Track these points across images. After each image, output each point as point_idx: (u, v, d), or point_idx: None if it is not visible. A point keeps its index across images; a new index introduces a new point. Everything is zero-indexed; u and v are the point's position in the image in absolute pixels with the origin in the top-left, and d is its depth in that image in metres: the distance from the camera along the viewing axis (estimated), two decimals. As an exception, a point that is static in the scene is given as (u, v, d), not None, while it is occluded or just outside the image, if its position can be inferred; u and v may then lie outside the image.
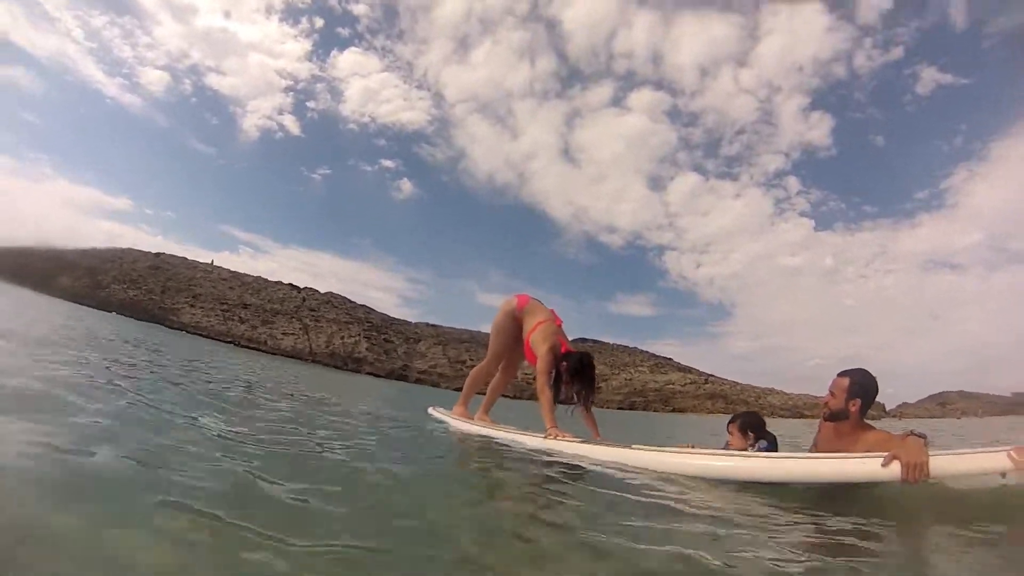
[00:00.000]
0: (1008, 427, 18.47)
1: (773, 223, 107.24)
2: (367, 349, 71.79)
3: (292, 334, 71.13)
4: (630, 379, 71.56)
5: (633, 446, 3.92)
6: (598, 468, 3.44)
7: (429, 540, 1.56)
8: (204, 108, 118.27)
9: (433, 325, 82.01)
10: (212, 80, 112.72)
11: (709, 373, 76.89)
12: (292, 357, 62.46)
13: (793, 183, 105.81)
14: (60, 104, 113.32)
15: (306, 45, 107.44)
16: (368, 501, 1.89)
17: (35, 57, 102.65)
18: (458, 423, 5.34)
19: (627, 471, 3.36)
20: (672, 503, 2.47)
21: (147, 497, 1.49)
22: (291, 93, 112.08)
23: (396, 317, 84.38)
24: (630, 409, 61.24)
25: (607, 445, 4.07)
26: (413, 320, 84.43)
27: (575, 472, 3.26)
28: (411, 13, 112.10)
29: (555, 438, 4.21)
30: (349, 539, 1.44)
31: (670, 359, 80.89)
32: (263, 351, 61.63)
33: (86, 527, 1.29)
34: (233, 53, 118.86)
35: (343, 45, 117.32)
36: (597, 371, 4.72)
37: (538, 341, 4.76)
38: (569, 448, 4.04)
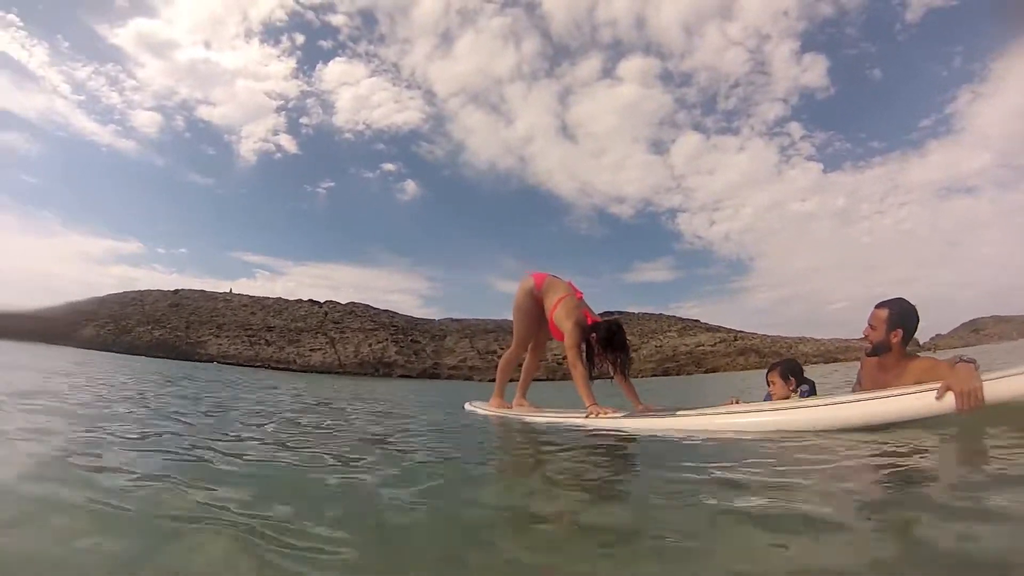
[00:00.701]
0: None
1: (780, 171, 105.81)
2: (396, 352, 72.05)
3: (319, 349, 71.57)
4: (660, 345, 71.24)
5: (678, 413, 3.84)
6: (647, 440, 3.33)
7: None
8: (199, 141, 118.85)
9: (457, 319, 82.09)
10: (203, 112, 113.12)
11: (738, 330, 76.34)
12: (322, 372, 62.94)
13: (796, 128, 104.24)
14: (58, 160, 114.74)
15: (290, 63, 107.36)
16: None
17: (26, 119, 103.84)
18: (497, 414, 5.21)
19: (677, 440, 3.22)
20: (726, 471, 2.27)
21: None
22: (283, 112, 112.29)
23: (420, 317, 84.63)
24: (664, 375, 61.07)
25: (651, 415, 3.97)
26: (437, 318, 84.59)
27: (624, 449, 3.15)
28: (389, 16, 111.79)
29: (597, 415, 4.10)
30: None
31: (697, 321, 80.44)
32: (293, 370, 62.11)
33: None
34: (219, 83, 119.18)
35: (327, 57, 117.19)
36: (627, 339, 4.58)
37: (562, 317, 4.66)
38: (614, 423, 3.94)
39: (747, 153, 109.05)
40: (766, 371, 4.25)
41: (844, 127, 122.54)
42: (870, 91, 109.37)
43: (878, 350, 3.32)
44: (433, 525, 1.57)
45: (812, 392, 3.95)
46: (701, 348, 70.43)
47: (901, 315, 3.25)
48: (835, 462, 2.29)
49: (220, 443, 2.80)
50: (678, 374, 62.48)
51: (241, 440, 3.04)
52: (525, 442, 3.65)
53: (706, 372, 64.15)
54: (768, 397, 4.12)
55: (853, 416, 3.04)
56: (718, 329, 76.65)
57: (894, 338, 3.24)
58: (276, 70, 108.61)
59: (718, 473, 2.15)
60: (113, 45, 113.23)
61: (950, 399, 2.77)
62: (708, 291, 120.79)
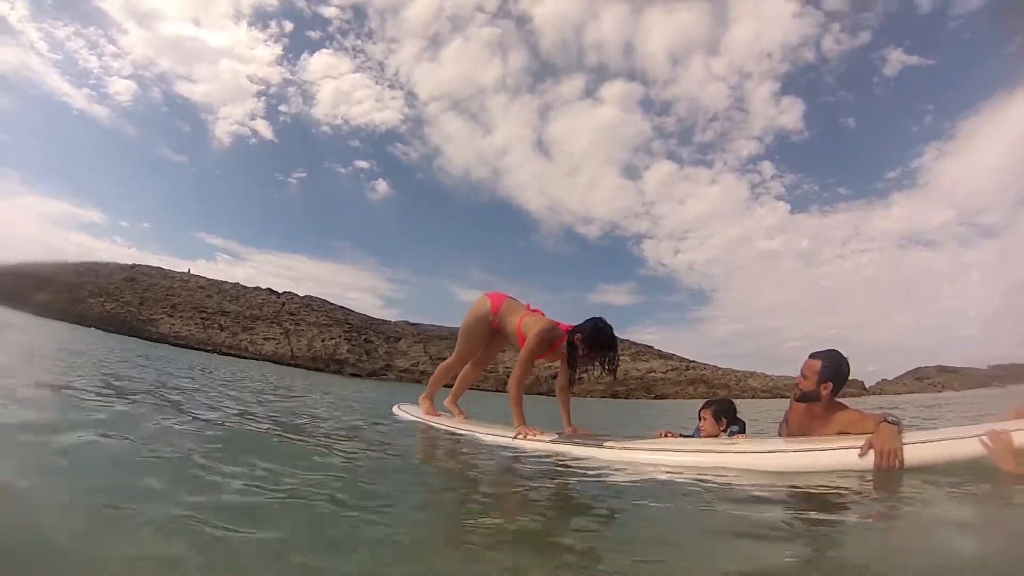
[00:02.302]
0: (988, 399, 18.57)
1: (749, 207, 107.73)
2: (348, 351, 71.54)
3: (273, 339, 70.76)
4: (612, 368, 71.93)
5: (605, 444, 3.85)
6: (566, 467, 3.35)
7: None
8: (175, 116, 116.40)
9: (414, 323, 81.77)
10: (182, 88, 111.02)
11: (691, 359, 77.43)
12: (273, 362, 62.24)
13: (767, 167, 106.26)
14: (27, 118, 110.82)
15: (276, 49, 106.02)
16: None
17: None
18: (424, 420, 5.26)
19: (597, 469, 3.28)
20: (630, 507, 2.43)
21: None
22: (263, 98, 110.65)
23: (377, 317, 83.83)
24: (613, 398, 61.38)
25: (578, 442, 4.00)
26: (394, 319, 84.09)
27: (541, 471, 3.23)
28: (381, 13, 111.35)
29: (524, 436, 4.15)
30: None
31: (651, 347, 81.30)
32: (244, 357, 61.25)
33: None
34: (202, 60, 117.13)
35: (313, 48, 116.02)
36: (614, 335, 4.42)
37: (530, 325, 4.55)
38: (538, 446, 4.00)
39: (718, 186, 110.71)
40: (700, 406, 4.36)
41: (814, 171, 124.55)
42: (842, 138, 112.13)
43: (808, 398, 3.41)
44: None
45: (741, 432, 4.08)
46: (652, 374, 71.27)
47: (833, 368, 3.34)
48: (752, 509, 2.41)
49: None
50: (627, 398, 63.00)
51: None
52: (446, 456, 3.77)
53: (655, 398, 64.82)
54: (697, 432, 4.25)
55: (780, 464, 3.12)
56: (671, 357, 77.64)
57: (824, 390, 3.33)
58: (261, 54, 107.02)
59: (627, 515, 2.29)
60: (98, 8, 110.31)
61: (871, 457, 2.89)
62: (667, 318, 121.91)
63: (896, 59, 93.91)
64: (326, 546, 1.51)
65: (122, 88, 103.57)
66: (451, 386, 5.63)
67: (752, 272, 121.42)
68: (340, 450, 3.21)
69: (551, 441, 4.08)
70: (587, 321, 4.37)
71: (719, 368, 74.34)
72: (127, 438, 2.54)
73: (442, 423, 5.11)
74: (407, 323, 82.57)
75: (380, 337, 76.78)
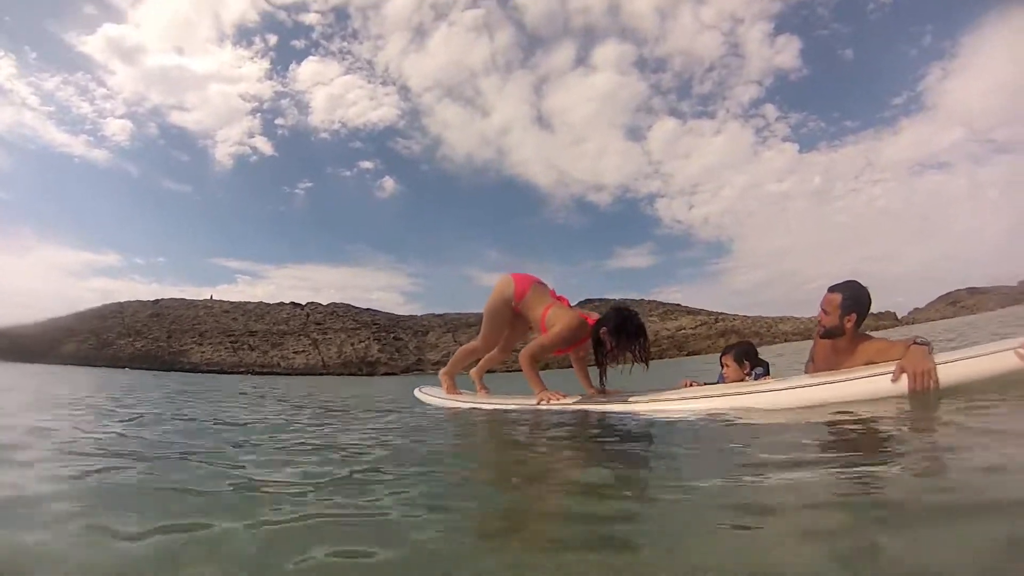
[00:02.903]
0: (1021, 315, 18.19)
1: (756, 152, 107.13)
2: (379, 351, 72.02)
3: (303, 351, 71.41)
4: (642, 331, 71.76)
5: (630, 398, 3.81)
6: (595, 427, 3.24)
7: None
8: (172, 147, 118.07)
9: (440, 315, 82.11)
10: (176, 118, 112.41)
11: (719, 312, 77.10)
12: (306, 374, 62.75)
13: (771, 110, 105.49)
14: (30, 173, 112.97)
15: (264, 64, 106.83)
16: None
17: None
18: (448, 400, 5.15)
19: (626, 424, 3.20)
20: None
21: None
22: (257, 114, 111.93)
23: (403, 314, 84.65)
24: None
25: (602, 400, 3.96)
26: (419, 313, 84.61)
27: (572, 434, 3.11)
28: (362, 12, 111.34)
29: (548, 401, 4.08)
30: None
31: (678, 304, 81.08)
32: (277, 373, 61.97)
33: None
34: (192, 87, 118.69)
35: (300, 57, 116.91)
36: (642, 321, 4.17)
37: (554, 319, 4.31)
38: (565, 408, 3.93)
39: (723, 136, 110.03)
40: (720, 354, 4.29)
41: (818, 107, 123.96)
42: (842, 71, 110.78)
43: (832, 333, 3.35)
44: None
45: (766, 374, 3.99)
46: (683, 331, 71.02)
47: (854, 299, 3.27)
48: (791, 445, 2.23)
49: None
50: (660, 358, 62.83)
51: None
52: (468, 431, 3.65)
53: (687, 355, 64.56)
54: (721, 379, 4.17)
55: (809, 398, 3.08)
56: (699, 312, 77.26)
57: (848, 322, 3.26)
58: (249, 72, 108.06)
59: (667, 460, 2.17)
60: (82, 53, 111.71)
61: (904, 380, 2.85)
62: (689, 275, 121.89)
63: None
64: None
65: (117, 128, 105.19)
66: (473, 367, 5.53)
67: (767, 216, 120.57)
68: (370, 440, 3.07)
69: (575, 403, 4.00)
70: (610, 312, 4.12)
71: (748, 317, 73.99)
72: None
73: (464, 400, 5.02)
74: (433, 315, 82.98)
75: (408, 333, 77.15)
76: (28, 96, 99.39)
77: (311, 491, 1.77)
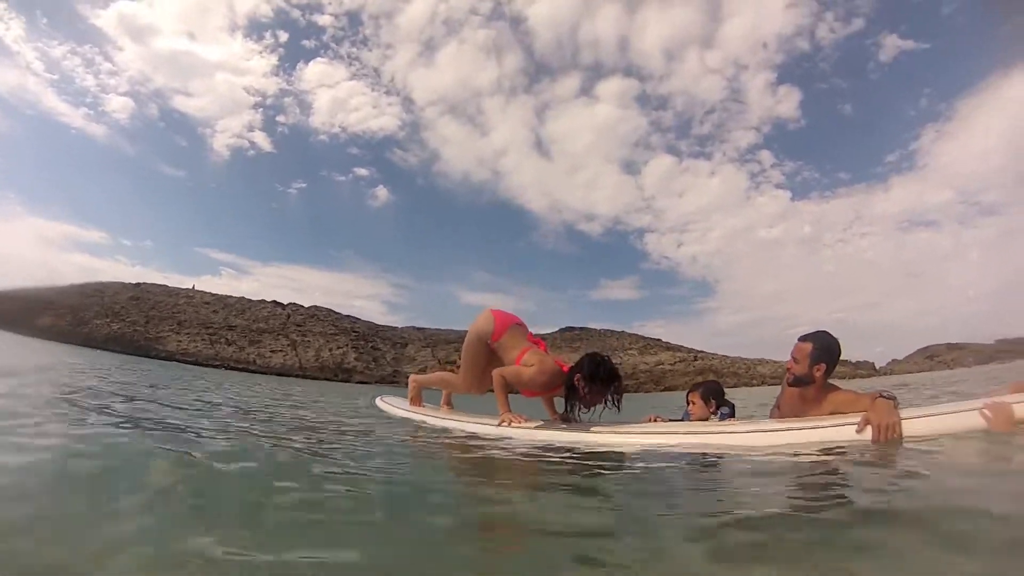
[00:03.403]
0: (1007, 373, 18.12)
1: (749, 197, 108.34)
2: (355, 359, 71.68)
3: (280, 351, 70.90)
4: (620, 363, 71.01)
5: (592, 429, 3.79)
6: (552, 453, 3.23)
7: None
8: (172, 131, 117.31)
9: (420, 328, 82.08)
10: (179, 102, 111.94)
11: (699, 350, 77.56)
12: (282, 374, 62.31)
13: (766, 156, 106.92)
14: (25, 140, 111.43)
15: (272, 60, 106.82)
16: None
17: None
18: (409, 412, 5.19)
19: (582, 452, 3.21)
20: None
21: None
22: (260, 109, 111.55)
23: (383, 324, 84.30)
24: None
25: (564, 429, 3.95)
26: (400, 325, 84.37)
27: (525, 458, 3.15)
28: (375, 19, 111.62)
29: (509, 423, 4.09)
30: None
31: (659, 340, 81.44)
32: (252, 371, 61.40)
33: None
34: (198, 74, 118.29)
35: (308, 57, 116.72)
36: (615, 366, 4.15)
37: (531, 361, 4.25)
38: (525, 434, 3.93)
39: (718, 178, 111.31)
40: (687, 391, 4.28)
41: (813, 158, 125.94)
42: (840, 125, 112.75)
43: (801, 382, 3.33)
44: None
45: (731, 415, 4.02)
46: (661, 367, 71.27)
47: (824, 349, 3.26)
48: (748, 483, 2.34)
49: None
50: (636, 391, 62.97)
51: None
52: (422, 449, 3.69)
53: (664, 390, 64.75)
54: (687, 416, 4.16)
55: (773, 442, 3.06)
56: (679, 348, 77.66)
57: (817, 372, 3.25)
58: (257, 66, 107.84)
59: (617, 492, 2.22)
60: (93, 26, 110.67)
61: (868, 431, 2.86)
62: (672, 311, 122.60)
63: (891, 44, 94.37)
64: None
65: (119, 105, 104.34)
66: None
67: (755, 261, 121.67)
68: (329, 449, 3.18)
69: (536, 427, 4.01)
70: (583, 359, 4.08)
71: (727, 357, 74.34)
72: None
73: (427, 414, 5.02)
74: (414, 328, 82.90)
75: (387, 344, 76.90)
76: (33, 61, 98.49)
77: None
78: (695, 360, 73.06)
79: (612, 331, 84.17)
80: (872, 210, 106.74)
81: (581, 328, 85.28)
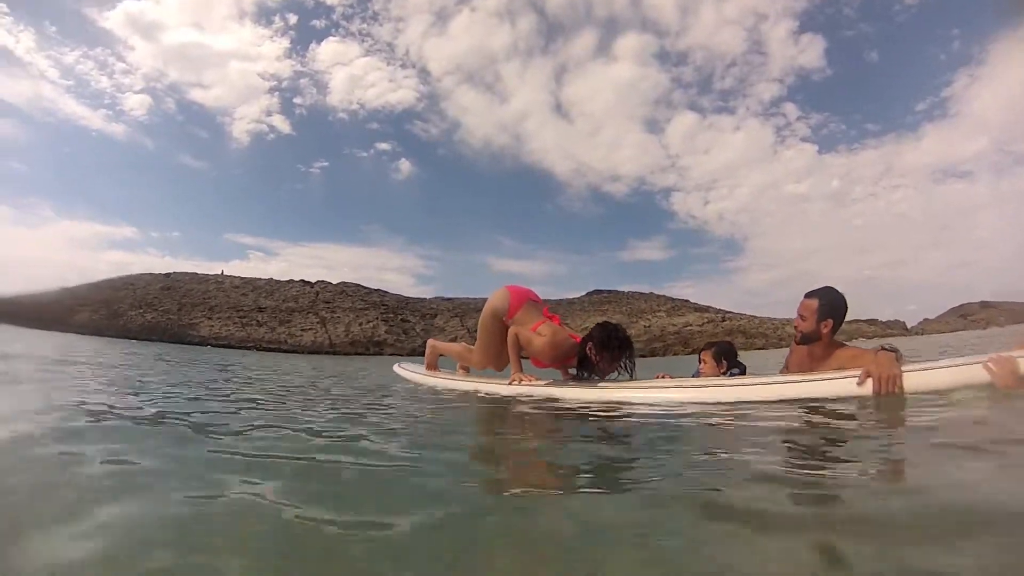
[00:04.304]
0: None
1: (776, 152, 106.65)
2: (386, 332, 72.57)
3: (310, 329, 72.04)
4: (648, 325, 71.74)
5: (600, 384, 3.92)
6: (557, 408, 3.35)
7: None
8: (191, 123, 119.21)
9: (449, 298, 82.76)
10: (195, 94, 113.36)
11: (727, 310, 76.99)
12: (313, 352, 63.32)
13: (791, 109, 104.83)
14: (48, 146, 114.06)
15: (283, 43, 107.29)
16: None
17: (14, 105, 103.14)
18: (426, 378, 5.37)
19: (587, 408, 3.28)
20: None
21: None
22: (276, 93, 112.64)
23: (412, 296, 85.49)
24: (651, 356, 61.40)
25: (574, 385, 4.07)
26: (429, 296, 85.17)
27: (543, 414, 3.19)
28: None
29: (520, 382, 4.24)
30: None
31: (687, 300, 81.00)
32: (284, 350, 62.58)
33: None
34: (211, 65, 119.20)
35: (320, 37, 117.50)
36: (627, 333, 4.22)
37: (542, 333, 4.37)
38: (537, 391, 4.06)
39: (742, 133, 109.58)
40: (700, 350, 4.33)
41: (839, 109, 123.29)
42: (867, 73, 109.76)
43: (808, 339, 3.36)
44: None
45: (742, 375, 3.98)
46: (689, 328, 70.93)
47: (831, 306, 3.29)
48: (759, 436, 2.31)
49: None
50: (664, 354, 62.83)
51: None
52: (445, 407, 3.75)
53: (692, 352, 64.42)
54: (697, 374, 4.17)
55: (776, 393, 3.12)
56: (707, 309, 77.21)
57: (824, 328, 3.28)
58: (269, 51, 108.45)
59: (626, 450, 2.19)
60: (102, 28, 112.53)
61: (869, 384, 2.89)
62: (701, 270, 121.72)
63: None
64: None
65: (136, 103, 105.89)
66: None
67: (783, 217, 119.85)
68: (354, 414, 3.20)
69: (545, 385, 4.12)
70: (594, 329, 4.17)
71: (756, 317, 73.76)
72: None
73: (443, 378, 5.18)
74: (442, 299, 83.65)
75: (416, 315, 77.73)
76: (47, 69, 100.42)
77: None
78: (723, 321, 72.59)
79: (640, 293, 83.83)
80: (903, 161, 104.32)
81: (609, 291, 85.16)
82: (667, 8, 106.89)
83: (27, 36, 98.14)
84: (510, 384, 4.27)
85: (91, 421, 2.43)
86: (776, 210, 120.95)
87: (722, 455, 1.96)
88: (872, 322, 74.47)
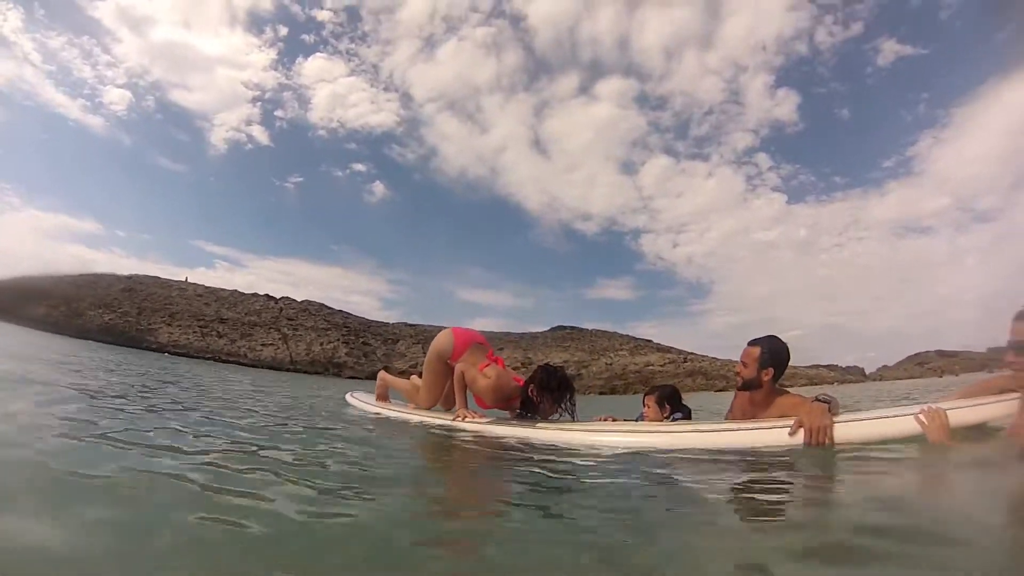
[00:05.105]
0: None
1: (746, 199, 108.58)
2: (346, 354, 71.85)
3: (271, 344, 70.97)
4: (610, 363, 72.20)
5: (538, 426, 4.00)
6: (495, 447, 3.45)
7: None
8: (170, 124, 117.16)
9: (412, 325, 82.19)
10: (177, 95, 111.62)
11: (689, 352, 77.71)
12: (272, 368, 62.34)
13: (763, 159, 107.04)
14: (22, 131, 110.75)
15: (271, 54, 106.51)
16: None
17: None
18: (376, 409, 5.51)
19: (522, 448, 3.37)
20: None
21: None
22: (258, 103, 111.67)
23: (376, 320, 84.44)
24: (612, 393, 61.58)
25: (513, 425, 4.17)
26: (393, 321, 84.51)
27: (478, 452, 3.32)
28: (375, 15, 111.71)
29: (464, 419, 4.32)
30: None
31: (649, 341, 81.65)
32: (243, 364, 61.53)
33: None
34: (197, 68, 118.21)
35: (308, 52, 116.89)
36: (567, 375, 4.37)
37: (486, 375, 4.51)
38: (475, 428, 4.17)
39: (715, 179, 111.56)
40: (643, 394, 4.39)
41: (810, 161, 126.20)
42: (837, 129, 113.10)
43: (749, 386, 3.42)
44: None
45: (685, 419, 4.04)
46: (650, 367, 71.41)
47: (772, 354, 3.33)
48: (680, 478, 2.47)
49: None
50: (624, 392, 62.99)
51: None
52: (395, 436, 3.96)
53: (652, 392, 64.66)
54: (640, 418, 4.24)
55: (711, 442, 3.19)
56: (669, 350, 77.87)
57: (765, 376, 3.32)
58: (256, 60, 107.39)
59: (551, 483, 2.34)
60: (91, 17, 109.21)
61: (801, 434, 2.94)
62: (667, 312, 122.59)
63: (889, 49, 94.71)
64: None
65: (116, 97, 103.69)
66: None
67: (750, 263, 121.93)
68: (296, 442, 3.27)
69: (487, 423, 4.24)
70: (537, 370, 4.35)
71: (717, 359, 74.49)
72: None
73: (392, 409, 5.30)
74: (405, 324, 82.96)
75: (378, 339, 77.05)
76: (31, 52, 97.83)
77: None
78: (685, 362, 73.28)
79: (603, 331, 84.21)
80: (868, 215, 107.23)
81: (572, 327, 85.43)
82: (653, 52, 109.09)
83: (15, 16, 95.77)
84: (454, 420, 4.37)
85: None
86: (744, 256, 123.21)
87: (622, 503, 2.04)
88: (832, 367, 75.97)
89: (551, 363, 4.48)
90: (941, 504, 1.95)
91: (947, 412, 2.78)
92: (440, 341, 4.91)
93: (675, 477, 2.50)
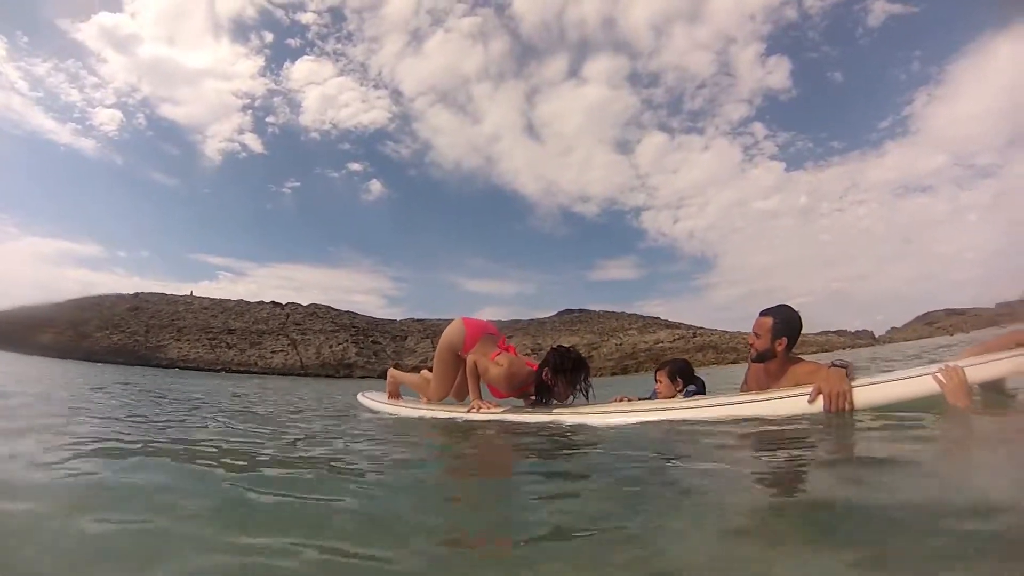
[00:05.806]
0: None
1: (744, 170, 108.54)
2: (356, 354, 72.02)
3: (281, 351, 71.16)
4: (620, 343, 72.22)
5: (555, 410, 3.98)
6: (516, 433, 3.40)
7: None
8: (161, 140, 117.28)
9: (419, 320, 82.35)
10: (166, 111, 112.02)
11: (698, 326, 77.71)
12: (284, 374, 62.56)
13: (759, 128, 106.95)
14: (15, 160, 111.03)
15: (258, 61, 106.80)
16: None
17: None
18: (389, 406, 5.45)
19: (542, 434, 3.32)
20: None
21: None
22: (249, 111, 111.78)
23: (382, 317, 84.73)
24: (623, 373, 61.63)
25: (528, 412, 4.15)
26: (400, 318, 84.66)
27: (495, 440, 3.32)
28: (358, 14, 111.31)
29: (479, 409, 4.31)
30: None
31: (658, 318, 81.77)
32: (254, 372, 61.73)
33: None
34: (185, 81, 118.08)
35: (295, 56, 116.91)
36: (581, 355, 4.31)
37: (500, 363, 4.44)
38: (490, 417, 4.17)
39: (712, 152, 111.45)
40: (655, 370, 4.33)
41: (805, 128, 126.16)
42: (831, 93, 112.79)
43: (763, 357, 3.38)
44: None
45: (699, 392, 4.00)
46: (660, 345, 71.41)
47: (785, 323, 3.30)
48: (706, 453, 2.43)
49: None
50: (637, 371, 62.97)
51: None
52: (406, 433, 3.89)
53: (664, 369, 64.64)
54: (654, 395, 4.19)
55: (732, 415, 3.16)
56: (678, 326, 77.88)
57: (779, 346, 3.29)
58: (243, 68, 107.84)
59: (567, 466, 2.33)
60: (74, 40, 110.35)
61: (820, 401, 2.92)
62: (671, 288, 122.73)
63: (879, 9, 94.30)
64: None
65: (106, 118, 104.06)
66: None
67: (752, 233, 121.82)
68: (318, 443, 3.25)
69: (502, 412, 4.23)
70: (549, 354, 4.27)
71: (726, 332, 74.50)
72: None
73: (404, 407, 5.27)
74: (412, 320, 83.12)
75: (387, 337, 77.24)
76: (17, 80, 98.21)
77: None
78: (694, 336, 73.24)
79: (611, 312, 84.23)
80: (867, 178, 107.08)
81: (580, 310, 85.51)
82: (640, 31, 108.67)
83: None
84: (469, 411, 4.33)
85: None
86: (745, 227, 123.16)
87: (655, 485, 1.99)
88: (841, 333, 75.91)
89: (563, 345, 4.40)
90: (969, 476, 1.88)
91: (964, 369, 2.78)
92: (451, 332, 4.86)
93: (696, 455, 2.43)
